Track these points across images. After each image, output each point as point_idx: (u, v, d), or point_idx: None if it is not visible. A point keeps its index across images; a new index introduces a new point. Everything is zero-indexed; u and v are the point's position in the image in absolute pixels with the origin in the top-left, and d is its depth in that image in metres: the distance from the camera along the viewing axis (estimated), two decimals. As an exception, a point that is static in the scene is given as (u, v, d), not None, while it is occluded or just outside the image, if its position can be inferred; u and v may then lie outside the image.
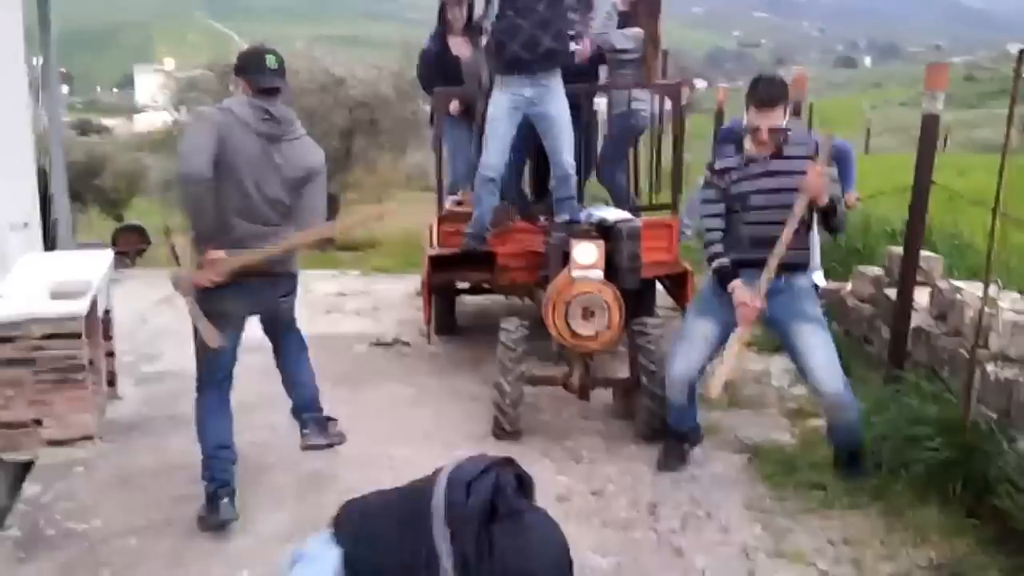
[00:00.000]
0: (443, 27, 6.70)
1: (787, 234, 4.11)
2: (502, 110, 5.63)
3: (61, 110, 8.75)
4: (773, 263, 4.13)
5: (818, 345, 4.30)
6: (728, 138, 6.17)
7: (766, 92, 4.21)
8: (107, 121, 56.32)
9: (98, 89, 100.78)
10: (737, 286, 4.27)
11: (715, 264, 4.39)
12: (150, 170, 24.94)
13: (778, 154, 4.28)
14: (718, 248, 4.40)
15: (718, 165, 4.42)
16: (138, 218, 15.82)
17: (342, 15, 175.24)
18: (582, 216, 5.63)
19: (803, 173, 4.12)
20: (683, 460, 4.75)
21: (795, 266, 4.32)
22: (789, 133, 4.31)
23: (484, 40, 5.74)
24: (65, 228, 7.42)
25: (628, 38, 6.25)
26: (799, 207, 4.11)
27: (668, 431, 4.80)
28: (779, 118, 4.22)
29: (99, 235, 13.15)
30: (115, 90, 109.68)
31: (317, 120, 13.76)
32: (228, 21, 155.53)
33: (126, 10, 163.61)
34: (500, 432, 5.04)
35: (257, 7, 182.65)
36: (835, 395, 4.30)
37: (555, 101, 5.63)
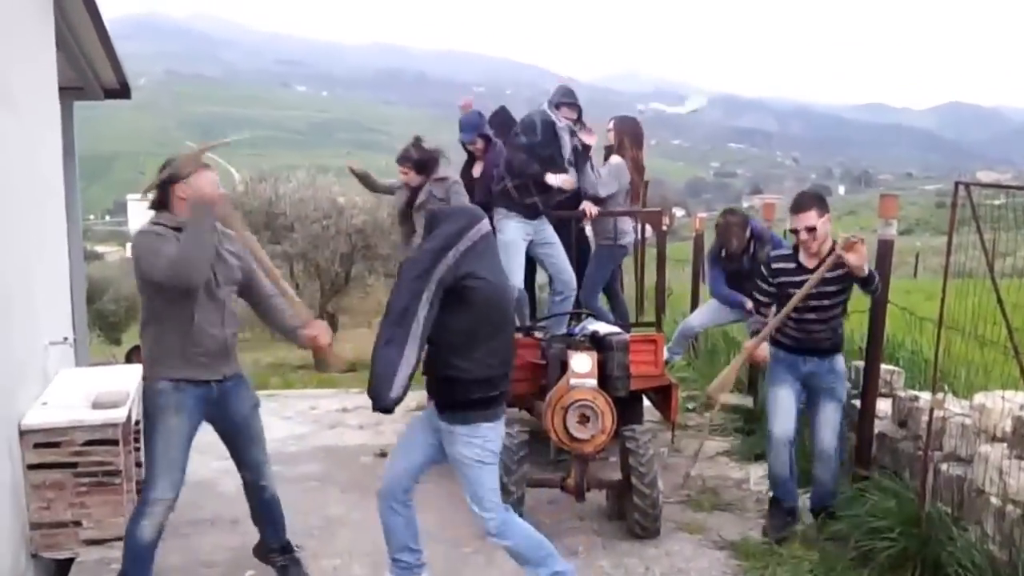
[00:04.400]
0: (470, 155, 7.48)
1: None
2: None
3: (79, 235, 9.17)
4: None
5: (829, 419, 5.34)
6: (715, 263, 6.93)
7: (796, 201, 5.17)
8: (100, 248, 57.13)
9: (91, 217, 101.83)
10: None
11: None
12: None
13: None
14: None
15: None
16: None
17: (330, 145, 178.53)
18: (576, 329, 6.11)
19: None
20: (782, 531, 5.35)
21: (835, 349, 5.36)
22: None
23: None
24: (83, 348, 7.84)
25: (613, 179, 6.82)
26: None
27: (773, 502, 5.56)
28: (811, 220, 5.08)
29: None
30: (107, 217, 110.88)
31: (320, 246, 14.34)
32: (220, 151, 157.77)
33: (117, 141, 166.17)
34: (501, 531, 5.38)
35: (246, 138, 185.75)
36: (827, 450, 5.32)
37: (546, 228, 6.47)
